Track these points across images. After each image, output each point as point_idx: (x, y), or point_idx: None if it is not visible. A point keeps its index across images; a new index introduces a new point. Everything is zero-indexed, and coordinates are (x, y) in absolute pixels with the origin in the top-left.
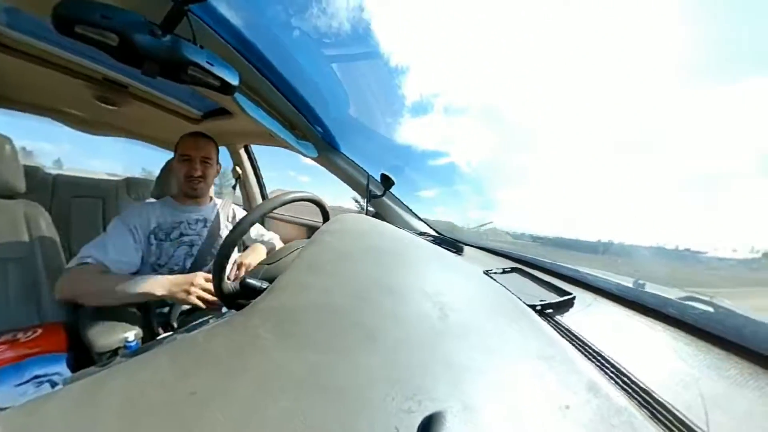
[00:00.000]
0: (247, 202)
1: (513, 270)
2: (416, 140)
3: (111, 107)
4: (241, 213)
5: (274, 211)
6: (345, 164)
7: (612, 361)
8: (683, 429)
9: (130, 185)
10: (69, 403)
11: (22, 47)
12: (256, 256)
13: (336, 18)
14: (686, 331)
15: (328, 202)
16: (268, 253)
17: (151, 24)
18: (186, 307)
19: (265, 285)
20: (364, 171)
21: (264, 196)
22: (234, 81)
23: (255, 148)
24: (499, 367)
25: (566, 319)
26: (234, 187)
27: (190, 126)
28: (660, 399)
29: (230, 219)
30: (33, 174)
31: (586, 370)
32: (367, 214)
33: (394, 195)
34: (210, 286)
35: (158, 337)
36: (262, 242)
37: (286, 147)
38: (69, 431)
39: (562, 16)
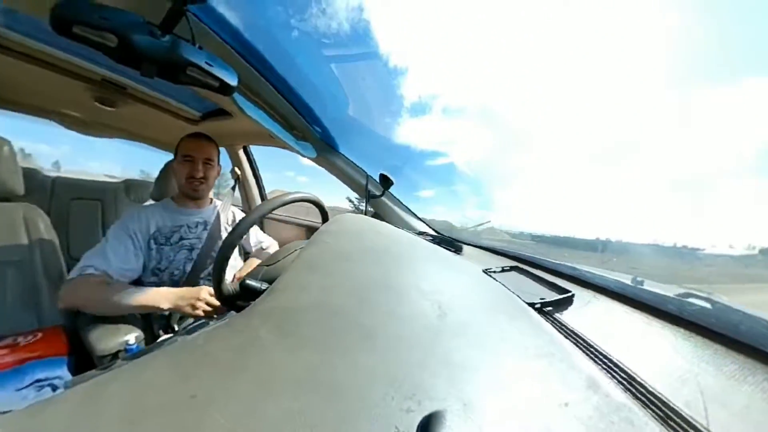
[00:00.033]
0: (246, 203)
1: (512, 268)
2: (415, 140)
3: (109, 108)
4: (240, 216)
5: (274, 212)
6: (344, 164)
7: (611, 358)
8: (683, 424)
9: (129, 187)
10: (70, 407)
11: (19, 48)
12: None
13: (335, 18)
14: (684, 328)
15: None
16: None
17: (150, 25)
18: None
19: (264, 286)
20: (363, 171)
21: (263, 197)
22: (233, 81)
23: (253, 149)
24: (499, 365)
25: (565, 316)
26: (233, 188)
27: (189, 127)
28: (659, 395)
29: (230, 222)
30: (32, 176)
31: (586, 367)
32: (366, 214)
33: (393, 195)
34: (215, 300)
35: (159, 340)
36: (260, 250)
37: (285, 147)
38: None
39: (559, 18)
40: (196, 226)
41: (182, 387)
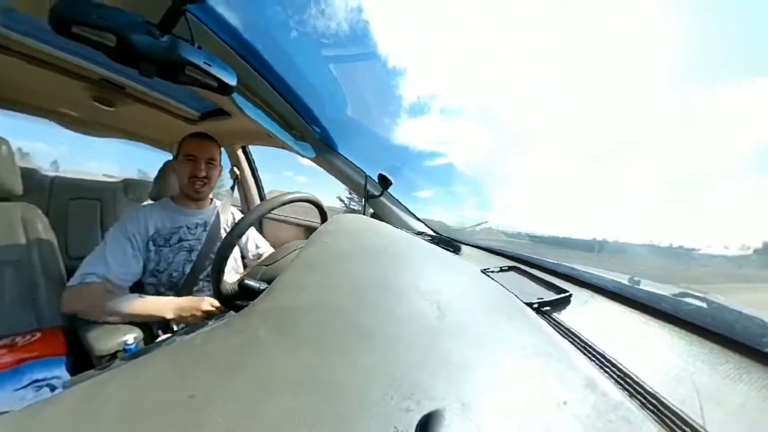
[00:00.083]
0: (245, 203)
1: (510, 268)
2: (413, 141)
3: (108, 108)
4: (240, 216)
5: (273, 212)
6: (343, 165)
7: (609, 357)
8: (679, 422)
9: (128, 187)
10: (69, 407)
11: (18, 47)
12: None
13: (334, 19)
14: (681, 327)
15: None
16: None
17: (149, 24)
18: None
19: (263, 286)
20: (362, 171)
21: (262, 197)
22: (232, 81)
23: (252, 149)
24: (497, 364)
25: (563, 316)
26: (232, 188)
27: (188, 127)
28: (656, 393)
29: (229, 223)
30: (30, 176)
31: (583, 367)
32: (364, 214)
33: (391, 195)
34: (215, 311)
35: (157, 340)
36: (258, 257)
37: (283, 147)
38: None
39: (558, 20)
40: (196, 227)
41: (181, 387)
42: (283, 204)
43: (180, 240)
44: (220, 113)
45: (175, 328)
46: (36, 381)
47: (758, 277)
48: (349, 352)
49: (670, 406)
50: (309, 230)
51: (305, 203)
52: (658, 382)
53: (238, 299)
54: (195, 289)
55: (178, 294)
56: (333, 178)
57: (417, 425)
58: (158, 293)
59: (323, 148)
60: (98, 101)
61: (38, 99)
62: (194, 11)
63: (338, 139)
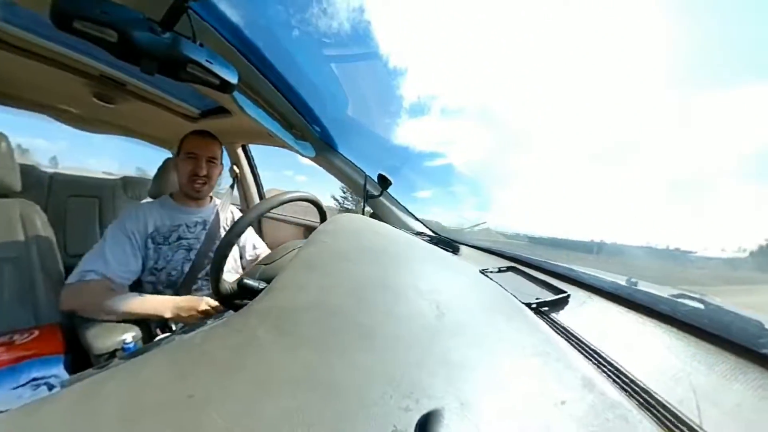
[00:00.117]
0: (245, 201)
1: (509, 269)
2: (413, 141)
3: (108, 105)
4: (239, 216)
5: (272, 211)
6: (342, 164)
7: (606, 358)
8: (676, 422)
9: (127, 184)
10: (67, 406)
11: (18, 42)
12: None
13: (336, 18)
14: (678, 328)
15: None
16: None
17: (151, 21)
18: None
19: (262, 285)
20: (362, 171)
21: (261, 195)
22: (233, 79)
23: (252, 147)
24: (496, 364)
25: (561, 316)
26: (232, 187)
27: (188, 124)
28: (653, 393)
29: (229, 222)
30: (29, 172)
31: (581, 367)
32: (363, 213)
33: (391, 195)
34: (213, 311)
35: (156, 339)
36: (256, 258)
37: (284, 146)
38: None
39: (557, 21)
40: (195, 226)
41: (180, 386)
42: (283, 203)
43: (179, 238)
44: (220, 111)
45: (174, 328)
46: (34, 379)
47: (754, 279)
48: (349, 351)
49: (668, 405)
50: (308, 230)
51: (304, 202)
52: (655, 382)
53: (237, 298)
54: (194, 287)
55: (177, 293)
56: (328, 178)
57: (416, 424)
58: (157, 291)
59: (323, 148)
60: (98, 98)
61: (38, 95)
62: (196, 8)
63: (338, 138)
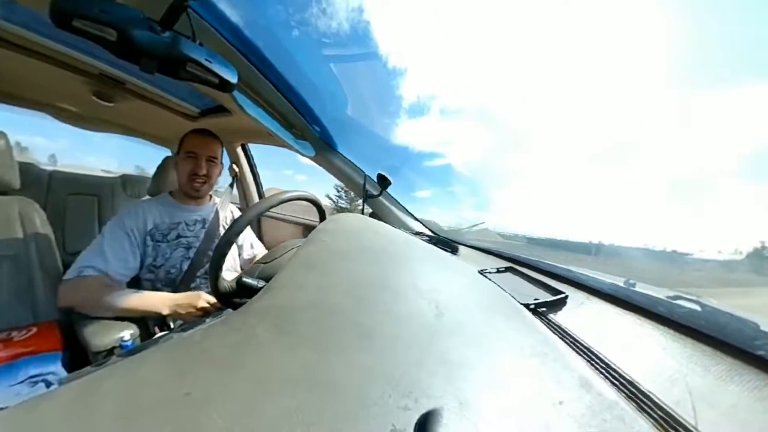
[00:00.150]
0: (244, 200)
1: (507, 269)
2: (413, 141)
3: (107, 103)
4: (239, 215)
5: (271, 210)
6: (342, 164)
7: (603, 358)
8: (672, 423)
9: (126, 182)
10: (64, 403)
11: (17, 41)
12: None
13: (335, 18)
14: (674, 329)
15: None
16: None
17: (150, 20)
18: None
19: (261, 284)
20: (361, 171)
21: (261, 194)
22: (232, 79)
23: (252, 146)
24: (494, 364)
25: (559, 317)
26: (231, 186)
27: (187, 123)
28: (649, 394)
29: (228, 221)
30: (28, 170)
31: (579, 367)
32: (363, 213)
33: (390, 195)
34: (210, 307)
35: (154, 337)
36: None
37: (283, 146)
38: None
39: (555, 22)
40: (194, 224)
41: (178, 384)
42: (282, 202)
43: (178, 236)
44: (220, 110)
45: (172, 325)
46: (32, 377)
47: (750, 282)
48: (348, 350)
49: (664, 406)
50: (308, 229)
51: (304, 202)
52: (652, 383)
53: (236, 297)
54: (192, 285)
55: (176, 290)
56: (327, 177)
57: (415, 424)
58: (155, 289)
59: (323, 147)
60: (97, 96)
61: (37, 93)
62: (196, 8)
63: (338, 138)
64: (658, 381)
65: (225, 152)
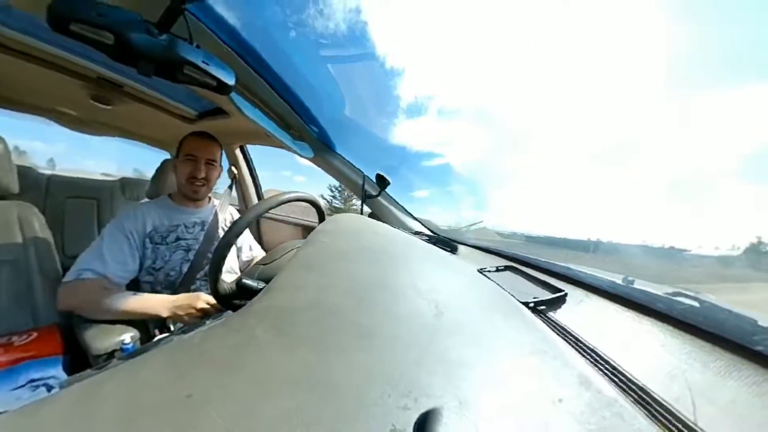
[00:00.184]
0: (243, 202)
1: (506, 268)
2: (411, 141)
3: (105, 106)
4: (238, 216)
5: (270, 211)
6: (340, 164)
7: (603, 355)
8: (671, 419)
9: (125, 186)
10: (66, 407)
11: (14, 45)
12: None
13: (332, 19)
14: (673, 325)
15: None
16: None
17: (148, 23)
18: None
19: (261, 285)
20: (360, 171)
21: (260, 196)
22: (230, 81)
23: (250, 148)
24: (494, 362)
25: (559, 315)
26: (230, 188)
27: (186, 126)
28: (649, 390)
29: (227, 222)
30: (26, 174)
31: (578, 365)
32: (362, 213)
33: (389, 195)
34: (210, 307)
35: (155, 339)
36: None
37: (282, 147)
38: None
39: (554, 23)
40: (194, 226)
41: (178, 386)
42: (281, 203)
43: (177, 239)
44: (218, 112)
45: (172, 328)
46: (33, 381)
47: (748, 277)
48: (347, 351)
49: (663, 402)
50: (307, 230)
51: (303, 202)
52: (651, 380)
53: (235, 298)
54: (192, 287)
55: (175, 293)
56: (326, 178)
57: (415, 423)
58: (155, 291)
59: (321, 148)
60: (96, 100)
61: (35, 97)
62: (193, 10)
63: (336, 139)
64: (658, 377)
65: (224, 154)
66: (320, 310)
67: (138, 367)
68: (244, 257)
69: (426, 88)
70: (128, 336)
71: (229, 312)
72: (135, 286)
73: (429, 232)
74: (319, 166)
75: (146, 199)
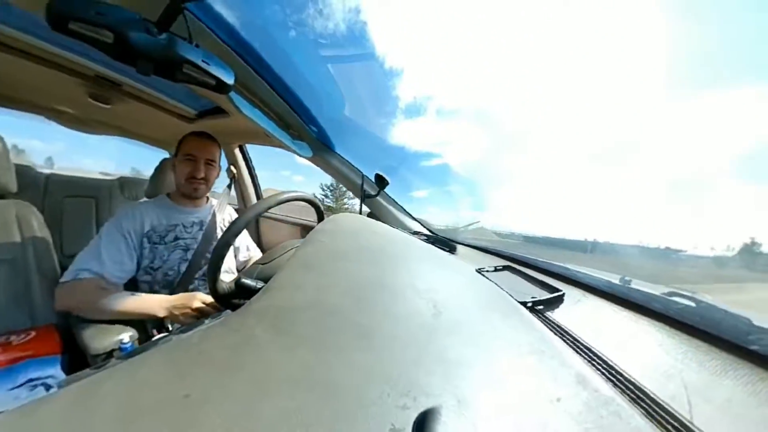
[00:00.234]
0: (242, 201)
1: (505, 268)
2: (410, 141)
3: (104, 105)
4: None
5: (269, 210)
6: (339, 164)
7: (600, 355)
8: (668, 417)
9: (124, 185)
10: (64, 406)
11: (13, 43)
12: None
13: (332, 19)
14: (670, 325)
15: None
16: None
17: (147, 22)
18: None
19: (260, 285)
20: (359, 171)
21: (259, 195)
22: (229, 80)
23: (249, 147)
24: (492, 362)
25: (556, 315)
26: (229, 187)
27: (185, 125)
28: (646, 389)
29: (226, 223)
30: (25, 173)
31: (576, 364)
32: (361, 213)
33: (388, 195)
34: (206, 307)
35: (153, 339)
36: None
37: (281, 147)
38: None
39: (552, 23)
40: (192, 226)
41: (177, 386)
42: (280, 203)
43: (176, 238)
44: (217, 112)
45: (171, 328)
46: (31, 380)
47: (744, 277)
48: (346, 350)
49: (660, 401)
50: (306, 229)
51: (301, 202)
52: (648, 379)
53: (234, 298)
54: (190, 287)
55: (173, 292)
56: (325, 178)
57: (414, 422)
58: (153, 291)
59: (320, 148)
60: (94, 98)
61: (33, 95)
62: (193, 9)
63: (335, 138)
64: (654, 377)
65: (223, 153)
66: (319, 309)
67: (137, 367)
68: (242, 258)
69: (425, 88)
70: (127, 335)
71: (228, 311)
72: (133, 285)
73: (428, 232)
74: (318, 165)
75: (145, 199)
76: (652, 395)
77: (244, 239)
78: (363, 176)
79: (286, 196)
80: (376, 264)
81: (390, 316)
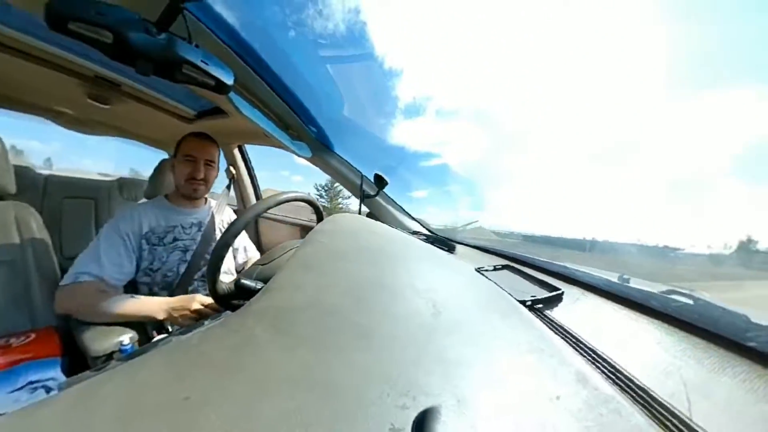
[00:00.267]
0: (241, 202)
1: (504, 267)
2: (409, 141)
3: (103, 106)
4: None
5: (268, 211)
6: (339, 164)
7: (599, 353)
8: (667, 415)
9: (123, 186)
10: (64, 409)
11: (11, 43)
12: None
13: (331, 19)
14: (668, 323)
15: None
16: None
17: (146, 22)
18: None
19: (259, 285)
20: (358, 171)
21: (258, 196)
22: (229, 80)
23: (248, 147)
24: (492, 361)
25: (555, 313)
26: (228, 188)
27: (184, 125)
28: (645, 387)
29: (225, 224)
30: (24, 174)
31: (575, 362)
32: (360, 213)
33: (387, 195)
34: (205, 309)
35: (153, 340)
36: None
37: (280, 147)
38: None
39: (551, 24)
40: (191, 227)
41: (177, 387)
42: (279, 203)
43: (175, 239)
44: (216, 112)
45: (170, 329)
46: (31, 382)
47: (741, 275)
48: (346, 350)
49: (659, 399)
50: (305, 229)
51: (300, 202)
52: (647, 376)
53: (234, 299)
54: (190, 288)
55: (173, 294)
56: (321, 178)
57: (413, 422)
58: (152, 293)
59: (320, 148)
60: (93, 99)
61: (32, 96)
62: (192, 9)
63: (335, 139)
64: (653, 374)
65: (222, 154)
66: (319, 309)
67: (137, 369)
68: (240, 259)
69: (424, 88)
70: (127, 337)
71: (228, 312)
72: (132, 287)
73: (427, 232)
74: (317, 166)
75: (144, 200)
76: (651, 393)
77: (242, 240)
78: (362, 176)
79: (285, 196)
80: (376, 264)
81: (389, 316)
